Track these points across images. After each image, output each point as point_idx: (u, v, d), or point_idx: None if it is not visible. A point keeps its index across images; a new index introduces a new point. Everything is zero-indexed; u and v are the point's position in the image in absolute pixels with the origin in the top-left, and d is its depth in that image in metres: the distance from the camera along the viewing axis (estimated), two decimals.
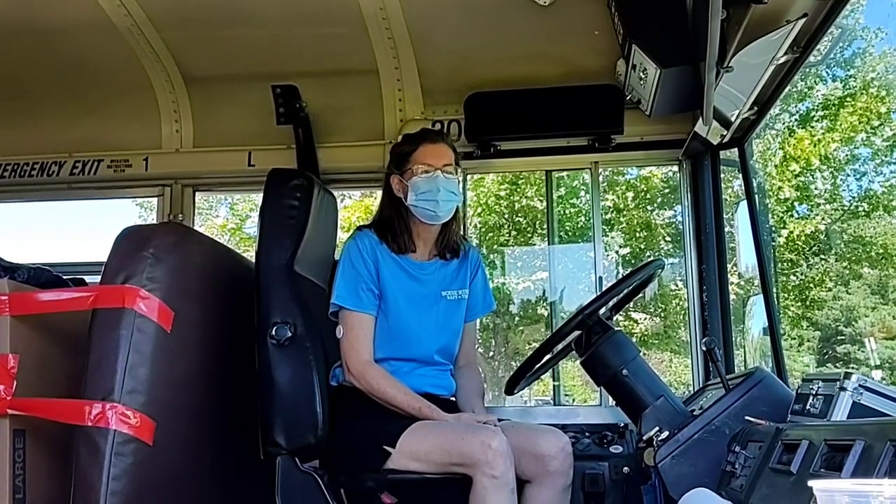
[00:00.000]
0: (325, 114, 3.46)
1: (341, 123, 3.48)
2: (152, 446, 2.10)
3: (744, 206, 3.16)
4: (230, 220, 12.68)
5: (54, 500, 2.13)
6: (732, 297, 3.39)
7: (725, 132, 3.01)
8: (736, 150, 3.16)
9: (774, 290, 3.45)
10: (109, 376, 2.07)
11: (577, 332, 2.42)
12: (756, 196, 3.15)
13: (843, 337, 13.94)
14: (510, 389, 2.60)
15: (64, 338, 2.27)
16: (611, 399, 2.85)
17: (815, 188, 12.69)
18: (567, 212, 9.83)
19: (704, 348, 2.42)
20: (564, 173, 7.75)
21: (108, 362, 2.08)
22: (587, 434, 3.03)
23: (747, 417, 2.07)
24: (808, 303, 13.19)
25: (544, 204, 5.01)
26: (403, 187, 2.58)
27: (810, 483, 0.88)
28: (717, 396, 2.24)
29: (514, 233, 10.88)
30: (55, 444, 2.18)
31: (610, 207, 10.76)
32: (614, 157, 3.40)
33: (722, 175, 3.38)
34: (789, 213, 12.35)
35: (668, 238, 10.81)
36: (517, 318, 10.69)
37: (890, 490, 0.80)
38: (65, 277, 2.66)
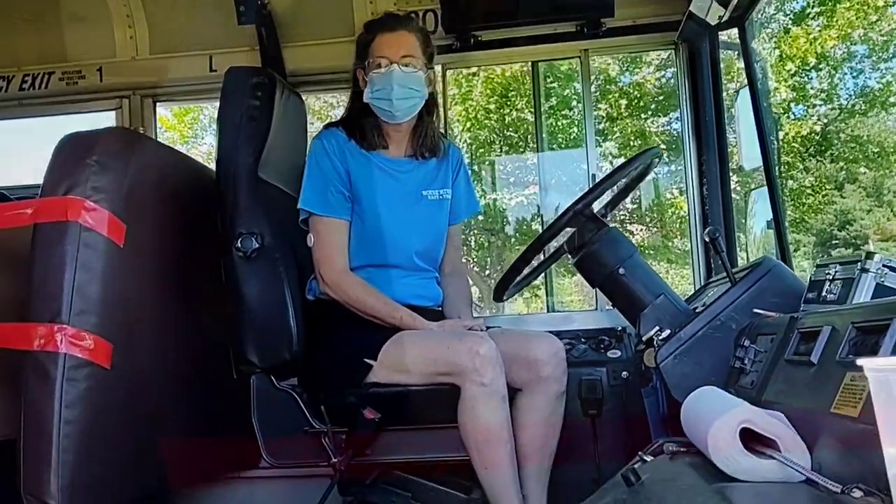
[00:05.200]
0: (290, 10, 3.19)
1: (308, 20, 3.20)
2: (110, 370, 1.93)
3: (745, 93, 2.93)
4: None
5: (5, 433, 1.96)
6: (734, 196, 3.21)
7: (723, 10, 2.79)
8: (735, 30, 2.90)
9: (779, 180, 3.26)
10: (56, 296, 1.87)
11: (569, 230, 2.22)
12: (758, 81, 2.92)
13: (837, 241, 13.88)
14: (499, 295, 2.41)
15: (5, 259, 2.08)
16: (607, 303, 2.68)
17: (812, 87, 12.40)
18: (559, 123, 9.54)
19: (707, 238, 2.22)
20: (554, 84, 7.43)
21: (54, 281, 1.88)
22: (583, 340, 2.90)
23: (756, 310, 1.89)
24: (804, 207, 13.07)
25: (534, 116, 4.74)
26: (365, 82, 2.36)
27: (860, 362, 0.70)
28: (721, 291, 2.07)
29: (505, 147, 10.62)
30: (3, 374, 2.01)
31: (603, 117, 10.48)
32: (605, 43, 3.15)
33: (722, 64, 3.15)
34: (786, 115, 12.09)
35: (663, 146, 10.58)
36: (511, 236, 10.55)
37: None
38: (13, 198, 2.46)
